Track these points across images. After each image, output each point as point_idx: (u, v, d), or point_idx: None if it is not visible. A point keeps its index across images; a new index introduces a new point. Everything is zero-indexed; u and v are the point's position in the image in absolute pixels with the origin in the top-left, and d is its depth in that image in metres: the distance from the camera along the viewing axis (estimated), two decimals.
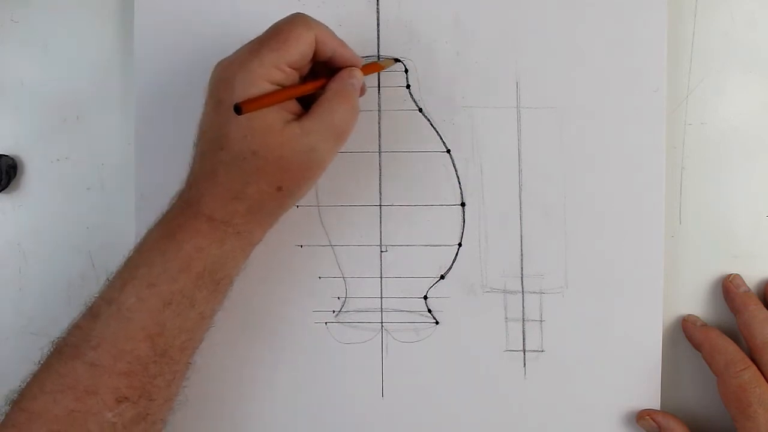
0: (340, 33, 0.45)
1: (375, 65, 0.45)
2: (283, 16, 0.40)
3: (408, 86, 0.47)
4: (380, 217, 0.48)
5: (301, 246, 0.48)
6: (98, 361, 0.38)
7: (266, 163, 0.39)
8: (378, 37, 0.47)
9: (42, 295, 0.49)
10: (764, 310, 0.45)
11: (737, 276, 0.47)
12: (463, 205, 0.47)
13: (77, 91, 0.49)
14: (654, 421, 0.46)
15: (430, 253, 0.47)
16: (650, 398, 0.47)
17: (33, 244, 0.49)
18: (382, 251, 0.48)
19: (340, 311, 0.48)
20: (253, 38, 0.40)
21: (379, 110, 0.47)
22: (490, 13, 0.47)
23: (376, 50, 0.47)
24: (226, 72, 0.39)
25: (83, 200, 0.49)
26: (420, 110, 0.47)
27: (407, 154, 0.47)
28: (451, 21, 0.47)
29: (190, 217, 0.40)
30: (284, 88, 0.40)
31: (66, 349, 0.39)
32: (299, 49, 0.40)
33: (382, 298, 0.48)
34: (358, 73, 0.42)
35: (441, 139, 0.47)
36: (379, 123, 0.47)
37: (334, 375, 0.48)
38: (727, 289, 0.46)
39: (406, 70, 0.47)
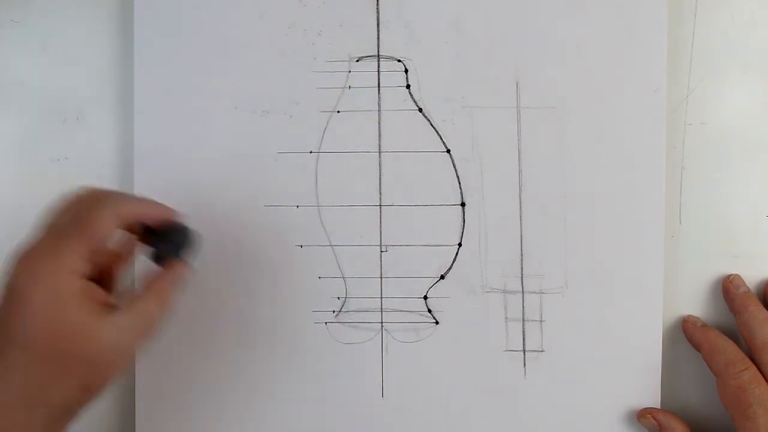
0: (340, 33, 0.46)
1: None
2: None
3: (408, 86, 0.47)
4: (380, 217, 0.48)
5: (301, 246, 0.48)
6: None
7: (75, 363, 0.36)
8: (378, 37, 0.47)
9: None
10: (764, 310, 0.45)
11: (737, 276, 0.47)
12: (463, 205, 0.47)
13: (77, 91, 0.49)
14: (655, 419, 0.46)
15: (430, 253, 0.47)
16: (650, 398, 0.47)
17: None
18: (382, 251, 0.48)
19: (340, 311, 0.48)
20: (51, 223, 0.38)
21: (379, 110, 0.47)
22: (490, 13, 0.47)
23: (376, 50, 0.47)
24: (30, 262, 0.36)
25: None
26: (420, 110, 0.47)
27: (407, 154, 0.47)
28: (451, 21, 0.47)
29: None
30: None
31: None
32: (102, 234, 0.37)
33: (382, 298, 0.48)
34: (181, 271, 0.40)
35: (441, 139, 0.47)
36: (379, 123, 0.47)
37: (334, 375, 0.48)
38: (727, 289, 0.46)
39: (406, 70, 0.47)
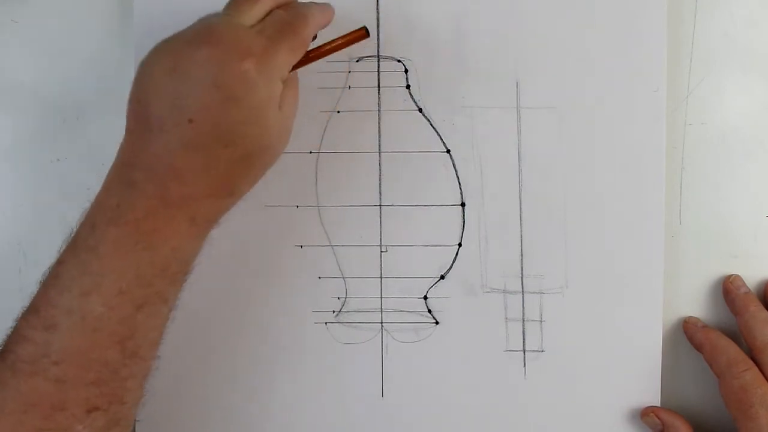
0: (339, 33, 0.45)
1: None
2: None
3: (408, 86, 0.47)
4: (380, 217, 0.48)
5: (301, 246, 0.48)
6: (64, 376, 0.35)
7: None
8: (378, 37, 0.47)
9: None
10: (764, 311, 0.45)
11: (737, 277, 0.47)
12: (463, 205, 0.47)
13: (77, 91, 0.49)
14: (658, 418, 0.46)
15: (430, 253, 0.47)
16: (650, 398, 0.47)
17: (33, 244, 0.49)
18: (382, 251, 0.48)
19: (340, 311, 0.48)
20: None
21: (379, 110, 0.47)
22: (490, 12, 0.47)
23: (376, 50, 0.47)
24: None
25: (83, 200, 0.49)
26: (420, 110, 0.47)
27: (407, 154, 0.47)
28: (451, 21, 0.47)
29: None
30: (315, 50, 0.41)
31: (21, 365, 0.35)
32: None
33: (382, 298, 0.48)
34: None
35: (441, 139, 0.47)
36: (379, 123, 0.47)
37: (334, 375, 0.48)
38: (728, 290, 0.46)
39: (406, 70, 0.47)
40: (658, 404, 0.46)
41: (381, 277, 0.48)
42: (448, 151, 0.47)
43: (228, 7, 0.39)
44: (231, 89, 0.36)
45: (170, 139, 0.36)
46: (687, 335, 0.47)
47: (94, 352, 0.35)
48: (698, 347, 0.46)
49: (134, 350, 0.37)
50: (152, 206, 0.36)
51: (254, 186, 0.40)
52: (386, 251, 0.48)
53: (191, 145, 0.36)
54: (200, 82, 0.36)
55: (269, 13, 0.39)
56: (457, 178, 0.47)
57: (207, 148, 0.36)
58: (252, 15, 0.39)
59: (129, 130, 0.38)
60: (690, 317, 0.47)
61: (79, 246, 0.37)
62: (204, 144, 0.36)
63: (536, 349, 0.47)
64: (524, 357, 0.47)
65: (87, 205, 0.50)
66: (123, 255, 0.36)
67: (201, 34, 0.38)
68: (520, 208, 0.47)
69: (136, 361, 0.37)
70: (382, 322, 0.48)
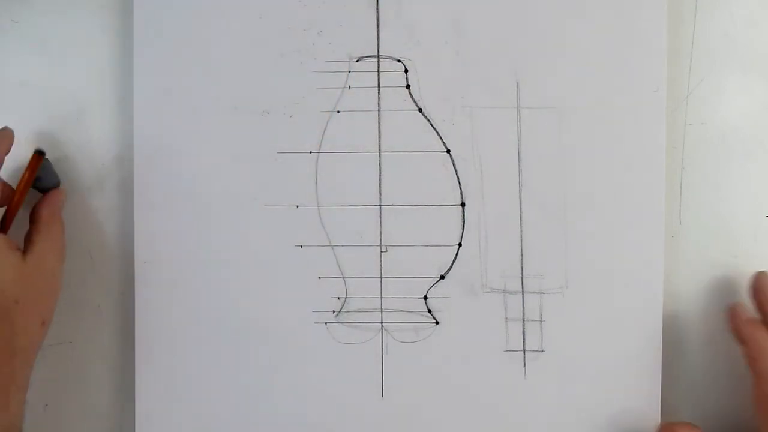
0: (340, 33, 0.46)
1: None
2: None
3: (408, 86, 0.47)
4: (380, 217, 0.48)
5: (301, 246, 0.48)
6: None
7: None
8: (378, 37, 0.47)
9: None
10: None
11: (740, 304, 0.45)
12: (463, 205, 0.47)
13: (77, 91, 0.49)
14: None
15: (430, 253, 0.47)
16: (650, 399, 0.47)
17: None
18: (382, 251, 0.48)
19: (340, 311, 0.48)
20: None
21: (379, 110, 0.47)
22: (490, 13, 0.47)
23: (376, 50, 0.47)
24: None
25: (83, 200, 0.49)
26: (420, 110, 0.47)
27: (407, 154, 0.47)
28: (451, 21, 0.47)
29: None
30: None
31: None
32: None
33: (382, 298, 0.48)
34: (61, 195, 0.46)
35: (441, 139, 0.47)
36: (379, 123, 0.47)
37: (334, 375, 0.48)
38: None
39: (406, 70, 0.47)
40: (658, 405, 0.46)
41: (381, 277, 0.48)
42: (448, 151, 0.47)
43: None
44: None
45: None
46: (731, 323, 0.44)
47: None
48: (741, 341, 0.44)
49: None
50: None
51: (41, 336, 0.40)
52: (386, 251, 0.48)
53: None
54: None
55: None
56: (457, 178, 0.47)
57: None
58: None
59: None
60: (736, 303, 0.45)
61: None
62: None
63: (536, 349, 0.47)
64: (524, 357, 0.47)
65: (86, 205, 0.51)
66: None
67: None
68: (520, 208, 0.47)
69: None
70: (382, 322, 0.48)
